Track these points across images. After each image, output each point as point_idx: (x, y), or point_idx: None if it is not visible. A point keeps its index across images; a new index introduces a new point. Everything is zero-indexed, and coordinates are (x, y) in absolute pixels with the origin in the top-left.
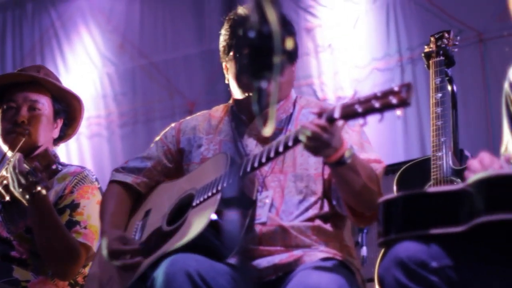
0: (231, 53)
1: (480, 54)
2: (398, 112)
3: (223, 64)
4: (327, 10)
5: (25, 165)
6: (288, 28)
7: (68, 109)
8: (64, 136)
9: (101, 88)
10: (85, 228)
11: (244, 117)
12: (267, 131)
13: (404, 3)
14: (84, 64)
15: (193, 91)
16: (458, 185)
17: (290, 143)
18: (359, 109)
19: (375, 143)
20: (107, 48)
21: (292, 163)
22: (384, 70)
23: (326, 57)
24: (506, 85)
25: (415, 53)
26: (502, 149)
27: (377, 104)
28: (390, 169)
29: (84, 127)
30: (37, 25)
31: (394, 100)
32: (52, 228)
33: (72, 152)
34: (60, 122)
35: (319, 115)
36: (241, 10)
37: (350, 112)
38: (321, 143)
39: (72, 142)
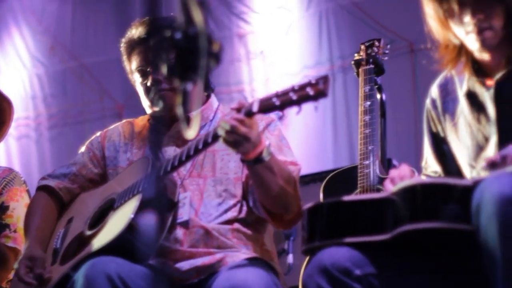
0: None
1: (411, 64)
2: (315, 103)
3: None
4: (260, 16)
5: None
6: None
7: None
8: None
9: (31, 89)
10: (14, 231)
11: (161, 127)
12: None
13: (337, 12)
14: (13, 65)
15: (123, 94)
16: (382, 193)
17: (209, 140)
18: (277, 102)
19: (305, 151)
20: (37, 49)
21: (211, 167)
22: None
23: (257, 64)
24: (427, 102)
25: (347, 62)
26: (423, 163)
27: (294, 97)
28: (319, 176)
29: (12, 128)
30: None
31: (311, 92)
32: None
33: None
34: None
35: (238, 109)
36: (135, 28)
37: (268, 105)
38: (239, 136)
39: None
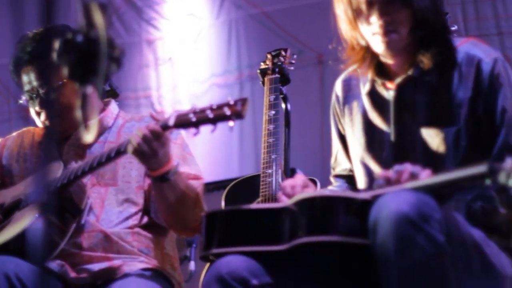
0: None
1: (319, 75)
2: (231, 123)
3: None
4: (170, 23)
5: None
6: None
7: None
8: None
9: None
10: None
11: (59, 136)
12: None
13: (247, 21)
14: None
15: None
16: (281, 203)
17: (122, 149)
18: (193, 118)
19: (211, 158)
20: None
21: (112, 176)
22: (223, 86)
23: (166, 70)
24: (333, 97)
25: (255, 71)
26: (332, 160)
27: (211, 115)
28: (223, 184)
29: None
30: None
31: (228, 112)
32: None
33: None
34: None
35: (155, 120)
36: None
37: (184, 121)
38: (150, 149)
39: None
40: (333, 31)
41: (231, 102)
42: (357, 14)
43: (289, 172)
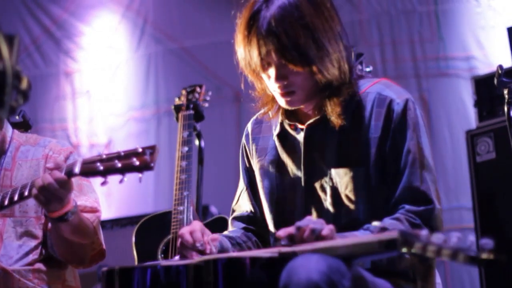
0: None
1: (236, 112)
2: (140, 175)
3: None
4: (88, 55)
5: None
6: None
7: None
8: None
9: None
10: None
11: None
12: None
13: (166, 56)
14: None
15: None
16: (189, 260)
17: (26, 193)
18: (101, 167)
19: (126, 193)
20: None
21: (10, 208)
22: (140, 120)
23: (83, 103)
24: (243, 137)
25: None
26: (234, 202)
27: (119, 164)
28: (136, 219)
29: None
30: None
31: (136, 163)
32: None
33: None
34: None
35: (58, 168)
36: None
37: (91, 169)
38: (54, 196)
39: None
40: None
41: (139, 150)
42: (258, 70)
43: (202, 209)
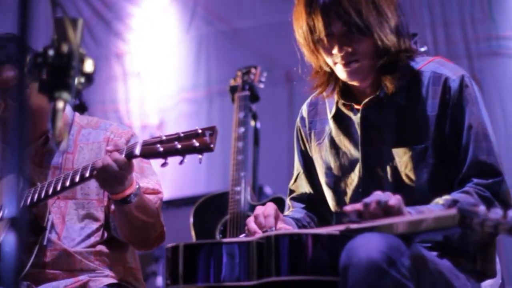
0: None
1: (287, 92)
2: (200, 156)
3: None
4: (138, 37)
5: None
6: None
7: None
8: None
9: None
10: None
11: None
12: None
13: (217, 37)
14: None
15: None
16: (250, 237)
17: (87, 175)
18: (161, 148)
19: (177, 174)
20: None
21: (72, 190)
22: (192, 101)
23: (134, 84)
24: (298, 120)
25: (224, 87)
26: (291, 182)
27: (179, 146)
28: (191, 200)
29: None
30: None
31: (196, 144)
32: None
33: None
34: None
35: (119, 150)
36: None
37: (150, 151)
38: (114, 178)
39: None
40: (300, 50)
41: (199, 132)
42: (318, 43)
43: (257, 189)
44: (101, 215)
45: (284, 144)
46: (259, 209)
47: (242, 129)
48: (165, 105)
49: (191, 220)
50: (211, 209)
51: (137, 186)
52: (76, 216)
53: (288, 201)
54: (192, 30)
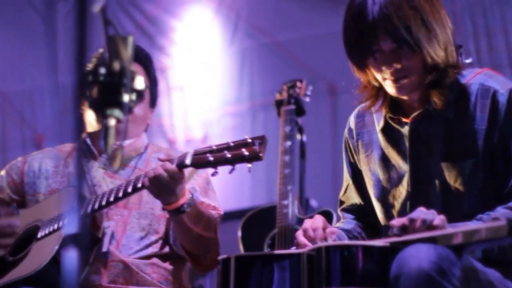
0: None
1: (331, 106)
2: (249, 165)
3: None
4: (182, 51)
5: None
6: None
7: None
8: None
9: None
10: None
11: (95, 150)
12: (114, 167)
13: (260, 50)
14: None
15: (42, 123)
16: (300, 250)
17: (139, 185)
18: (211, 158)
19: (222, 187)
20: None
21: (138, 200)
22: (236, 114)
23: (178, 98)
24: (346, 131)
25: (268, 100)
26: (341, 193)
27: (229, 155)
28: (236, 214)
29: None
30: None
31: (246, 153)
32: None
33: None
34: None
35: (170, 160)
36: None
37: (201, 160)
38: (165, 188)
39: None
40: (345, 62)
41: (249, 141)
42: (366, 59)
43: (304, 203)
44: (162, 228)
45: (329, 157)
46: (307, 223)
47: (288, 143)
48: (209, 119)
49: (239, 233)
50: (258, 222)
51: (190, 196)
52: (138, 225)
53: (339, 212)
54: (235, 43)
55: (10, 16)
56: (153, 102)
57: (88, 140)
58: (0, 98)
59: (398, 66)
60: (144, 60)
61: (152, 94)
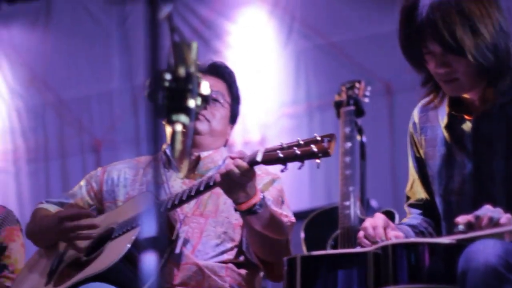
0: None
1: (388, 105)
2: (318, 160)
3: None
4: (237, 53)
5: None
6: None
7: None
8: None
9: (9, 122)
10: (12, 272)
11: (174, 161)
12: (181, 174)
13: (315, 51)
14: None
15: (101, 129)
16: (365, 248)
17: (211, 183)
18: (281, 154)
19: None
20: (16, 82)
21: (214, 209)
22: (292, 116)
23: None
24: (410, 125)
25: (324, 101)
26: (407, 188)
27: (298, 152)
28: (296, 216)
29: None
30: None
31: (315, 149)
32: None
33: None
34: None
35: (241, 157)
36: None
37: (271, 157)
38: (236, 184)
39: None
40: (400, 61)
41: (318, 138)
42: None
43: (365, 203)
44: (237, 236)
45: (387, 156)
46: (367, 222)
47: (349, 144)
48: (265, 121)
49: (302, 235)
50: (321, 224)
51: (262, 197)
52: (214, 233)
53: (405, 208)
54: (290, 45)
55: (65, 22)
56: (233, 119)
57: (168, 151)
58: (58, 106)
59: (448, 69)
60: (228, 77)
61: (232, 111)
